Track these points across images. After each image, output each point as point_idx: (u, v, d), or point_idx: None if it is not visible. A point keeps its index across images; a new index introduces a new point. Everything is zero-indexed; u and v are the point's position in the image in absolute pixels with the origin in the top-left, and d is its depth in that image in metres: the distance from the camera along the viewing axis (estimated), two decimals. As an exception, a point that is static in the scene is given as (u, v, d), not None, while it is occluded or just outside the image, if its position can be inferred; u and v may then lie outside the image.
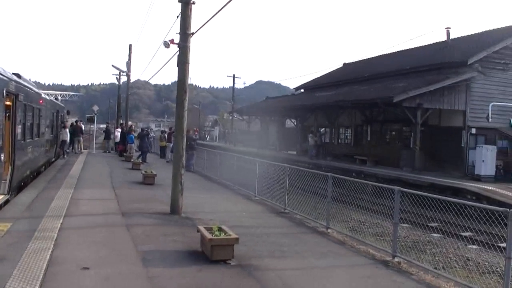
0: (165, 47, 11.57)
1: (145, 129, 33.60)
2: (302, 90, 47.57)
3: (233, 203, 14.53)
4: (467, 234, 15.03)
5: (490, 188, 19.64)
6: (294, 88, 49.60)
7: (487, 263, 12.10)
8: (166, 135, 31.73)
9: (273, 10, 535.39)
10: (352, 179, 11.43)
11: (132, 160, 25.15)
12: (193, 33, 11.51)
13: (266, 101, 52.23)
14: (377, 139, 32.79)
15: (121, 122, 38.80)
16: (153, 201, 13.49)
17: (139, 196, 14.51)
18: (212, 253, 7.56)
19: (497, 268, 11.55)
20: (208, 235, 7.67)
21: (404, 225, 15.12)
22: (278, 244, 9.30)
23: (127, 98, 37.52)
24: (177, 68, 11.65)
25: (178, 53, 11.58)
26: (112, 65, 34.20)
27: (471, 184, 20.40)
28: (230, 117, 65.44)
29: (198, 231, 8.22)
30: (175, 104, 11.61)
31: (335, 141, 38.59)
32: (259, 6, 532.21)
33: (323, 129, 40.49)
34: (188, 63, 11.51)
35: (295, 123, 44.38)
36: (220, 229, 8.05)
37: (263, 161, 16.34)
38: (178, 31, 11.52)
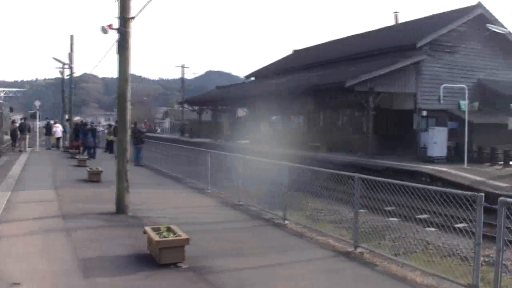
0: (103, 33, 10.69)
1: (89, 123, 32.13)
2: (253, 78, 47.01)
3: (184, 198, 13.83)
4: (424, 216, 14.87)
5: (443, 169, 19.64)
6: (244, 76, 48.96)
7: (446, 246, 11.85)
8: (113, 129, 30.56)
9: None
10: (310, 167, 10.91)
11: (77, 157, 23.95)
12: (133, 17, 10.68)
13: (217, 90, 51.41)
14: (330, 125, 32.64)
15: (67, 117, 37.26)
16: (98, 201, 12.60)
17: (83, 195, 13.60)
18: (160, 257, 6.84)
19: (457, 251, 11.31)
20: (155, 237, 6.95)
21: (361, 210, 14.76)
22: (233, 240, 8.69)
23: (70, 93, 35.91)
24: (119, 58, 10.81)
25: (117, 40, 10.73)
26: (53, 58, 32.63)
27: (425, 166, 20.38)
28: (181, 108, 64.23)
29: (145, 232, 7.49)
30: (117, 95, 10.77)
31: (287, 128, 38.21)
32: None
33: (274, 117, 40.07)
34: (129, 50, 10.69)
35: (247, 112, 43.84)
36: (168, 229, 7.36)
37: (214, 152, 15.66)
38: (117, 16, 10.67)
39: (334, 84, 26.08)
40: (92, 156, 26.15)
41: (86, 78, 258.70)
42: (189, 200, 13.54)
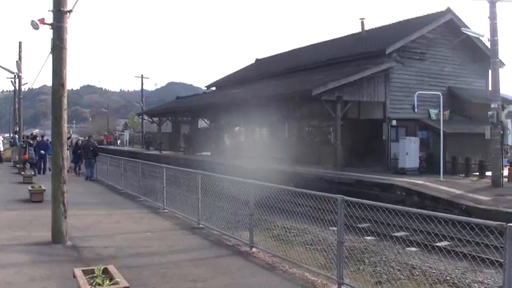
0: (33, 28, 9.04)
1: (40, 135, 29.94)
2: (214, 88, 45.40)
3: (136, 220, 12.07)
4: (402, 234, 13.60)
5: (419, 182, 18.43)
6: (205, 86, 47.22)
7: (434, 271, 10.48)
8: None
9: (183, 9, 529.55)
10: (283, 187, 9.33)
11: (22, 173, 21.85)
12: (70, 11, 9.02)
13: (177, 101, 49.57)
14: (295, 136, 31.26)
15: (15, 130, 34.89)
16: (35, 226, 10.73)
17: (19, 219, 11.72)
18: (92, 312, 5.18)
19: (446, 277, 9.99)
20: (85, 286, 5.28)
21: (333, 228, 13.31)
22: (190, 278, 7.05)
23: (19, 103, 33.62)
24: (53, 58, 9.11)
25: (52, 37, 9.04)
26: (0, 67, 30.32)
27: (399, 179, 19.11)
28: (140, 120, 62.02)
29: (74, 276, 5.79)
30: (51, 102, 9.04)
31: (251, 140, 36.70)
32: (167, 5, 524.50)
33: (237, 128, 38.56)
34: (66, 49, 9.01)
35: (208, 123, 42.20)
36: (105, 272, 5.70)
37: (169, 167, 13.98)
38: (52, 8, 9.00)
39: (299, 92, 24.72)
40: (39, 172, 24.12)
41: (46, 90, 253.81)
42: (142, 223, 11.80)
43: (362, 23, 31.46)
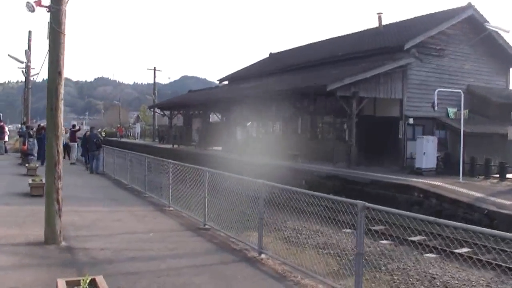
0: (29, 11, 8.40)
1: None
2: (227, 82, 44.67)
3: (139, 219, 11.39)
4: (418, 238, 12.83)
5: (437, 183, 17.58)
6: (218, 80, 46.49)
7: (457, 282, 9.72)
8: (70, 133, 28.01)
9: (199, 2, 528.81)
10: (296, 189, 8.53)
11: (27, 165, 21.29)
12: (70, -8, 8.37)
13: (189, 94, 48.95)
14: (309, 132, 30.46)
15: (23, 120, 34.36)
16: (29, 223, 10.07)
17: (14, 215, 11.08)
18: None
19: (469, 288, 9.26)
20: (65, 302, 4.61)
21: (346, 230, 12.57)
22: (190, 290, 6.39)
23: (27, 93, 33.14)
24: (50, 43, 8.45)
25: (49, 21, 8.39)
26: (8, 55, 29.81)
27: (416, 180, 18.29)
28: (152, 113, 61.46)
29: (57, 288, 5.11)
30: (46, 92, 8.36)
31: (263, 135, 35.93)
32: None
33: (249, 123, 37.83)
34: (64, 34, 8.34)
35: (220, 117, 41.53)
36: (92, 284, 5.03)
37: (176, 163, 13.28)
38: (49, -10, 8.35)
39: (314, 87, 23.94)
40: (42, 163, 23.63)
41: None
42: (145, 221, 11.12)
43: (380, 18, 30.55)
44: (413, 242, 12.11)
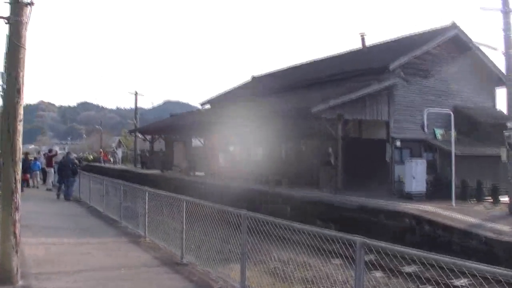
0: (-18, 22, 7.51)
1: None
2: (208, 106, 43.88)
3: (111, 252, 10.40)
4: (413, 269, 12.09)
5: (429, 208, 16.80)
6: (199, 104, 45.70)
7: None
8: (44, 158, 26.98)
9: (181, 28, 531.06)
10: (287, 223, 7.56)
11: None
12: (31, 3, 7.54)
13: (170, 118, 48.07)
14: (293, 156, 29.64)
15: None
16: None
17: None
18: None
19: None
20: None
21: (336, 261, 11.72)
22: None
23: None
24: (8, 58, 7.60)
25: (7, 33, 7.55)
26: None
27: (406, 205, 17.51)
28: (134, 137, 60.31)
29: None
30: (1, 111, 7.49)
31: (246, 159, 35.03)
32: (165, 23, 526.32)
33: (232, 147, 36.95)
34: (25, 48, 7.50)
35: (203, 142, 40.64)
36: None
37: (151, 191, 12.36)
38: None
39: (298, 110, 23.26)
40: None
41: (44, 105, 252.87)
42: (117, 255, 10.14)
43: (363, 39, 30.19)
44: (409, 274, 11.32)
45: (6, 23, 7.57)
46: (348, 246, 6.54)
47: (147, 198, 11.96)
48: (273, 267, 10.82)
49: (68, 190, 20.68)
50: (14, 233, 7.48)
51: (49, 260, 9.17)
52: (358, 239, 5.16)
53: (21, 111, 7.59)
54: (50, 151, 28.37)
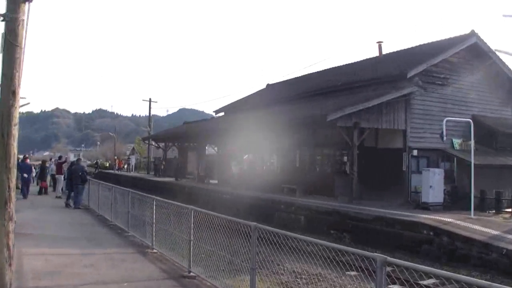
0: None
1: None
2: (223, 113, 43.54)
3: (115, 264, 9.98)
4: (430, 282, 11.56)
5: (448, 219, 16.21)
6: (213, 111, 45.36)
7: None
8: (56, 164, 26.74)
9: (195, 36, 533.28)
10: (300, 237, 7.08)
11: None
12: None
13: (184, 126, 47.86)
14: (307, 165, 29.15)
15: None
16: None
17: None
18: None
19: None
20: None
21: (351, 273, 11.24)
22: None
23: None
24: (4, 57, 7.21)
25: (3, 32, 7.21)
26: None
27: (424, 216, 16.92)
28: (147, 145, 60.18)
29: None
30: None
31: (260, 168, 34.60)
32: (183, 31, 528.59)
33: (246, 155, 36.56)
34: (21, 47, 7.15)
35: (216, 150, 40.30)
36: None
37: (159, 199, 11.95)
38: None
39: (313, 118, 22.76)
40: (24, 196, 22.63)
41: (58, 112, 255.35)
42: (122, 267, 9.72)
43: (380, 47, 29.69)
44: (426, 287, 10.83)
45: (1, 20, 7.23)
46: (364, 258, 6.10)
47: (154, 206, 11.57)
48: (286, 280, 10.37)
49: (77, 198, 20.33)
50: (8, 245, 7.05)
51: (49, 273, 8.75)
52: (378, 256, 4.69)
53: (16, 114, 7.20)
54: (60, 157, 28.16)
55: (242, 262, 7.97)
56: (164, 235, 11.29)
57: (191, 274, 9.09)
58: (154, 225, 11.49)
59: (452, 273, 4.38)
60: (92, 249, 11.45)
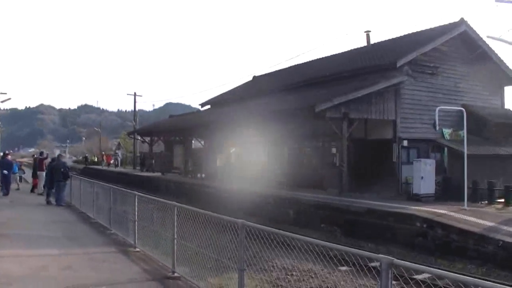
0: None
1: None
2: (209, 106, 42.85)
3: (95, 265, 9.35)
4: (424, 276, 11.06)
5: (442, 211, 15.77)
6: (199, 104, 44.59)
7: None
8: (37, 161, 25.96)
9: (179, 29, 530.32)
10: (292, 235, 6.47)
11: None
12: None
13: (170, 119, 47.10)
14: (295, 157, 28.61)
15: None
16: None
17: None
18: None
19: None
20: None
21: (342, 268, 10.74)
22: None
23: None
24: None
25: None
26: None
27: (416, 208, 16.47)
28: (133, 139, 59.27)
29: None
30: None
31: (247, 161, 34.01)
32: (166, 24, 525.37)
33: (233, 149, 35.95)
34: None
35: (203, 143, 39.66)
36: None
37: (141, 195, 11.33)
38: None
39: (301, 109, 22.25)
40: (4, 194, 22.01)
41: (43, 108, 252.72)
42: (102, 268, 9.10)
43: (368, 36, 29.23)
44: (420, 282, 10.34)
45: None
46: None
47: (136, 203, 10.95)
48: (276, 277, 9.84)
49: (59, 195, 19.59)
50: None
51: (22, 277, 8.07)
52: (383, 257, 4.14)
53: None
54: (41, 154, 27.37)
55: (229, 260, 7.41)
56: (147, 233, 10.69)
57: (175, 274, 8.52)
58: (136, 223, 10.88)
59: (470, 278, 3.85)
60: (71, 249, 10.79)
